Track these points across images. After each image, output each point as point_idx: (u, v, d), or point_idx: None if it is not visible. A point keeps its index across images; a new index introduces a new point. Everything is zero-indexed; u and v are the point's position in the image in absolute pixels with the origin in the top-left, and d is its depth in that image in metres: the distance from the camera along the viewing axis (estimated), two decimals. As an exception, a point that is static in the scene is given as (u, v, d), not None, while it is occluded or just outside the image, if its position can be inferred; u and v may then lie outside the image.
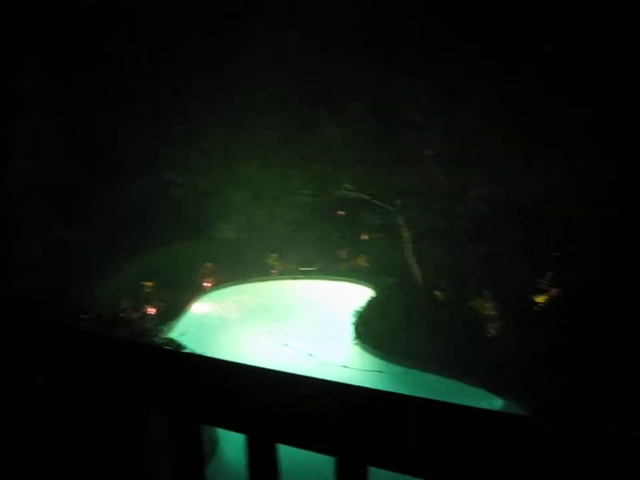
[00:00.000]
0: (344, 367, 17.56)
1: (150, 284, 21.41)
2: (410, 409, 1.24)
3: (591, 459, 1.09)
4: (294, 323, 21.18)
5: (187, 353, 1.55)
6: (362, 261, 25.35)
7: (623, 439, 1.08)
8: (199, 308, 23.05)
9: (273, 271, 25.61)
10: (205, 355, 1.49)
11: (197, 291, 23.70)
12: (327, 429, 1.28)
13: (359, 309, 20.98)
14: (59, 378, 1.60)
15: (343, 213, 25.33)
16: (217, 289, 24.37)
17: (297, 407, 1.30)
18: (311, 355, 18.28)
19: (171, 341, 16.99)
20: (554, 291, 18.59)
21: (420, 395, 1.23)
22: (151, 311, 20.46)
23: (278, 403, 1.33)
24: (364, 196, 21.54)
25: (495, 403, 15.31)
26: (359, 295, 22.52)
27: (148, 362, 1.48)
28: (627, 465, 1.07)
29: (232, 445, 12.40)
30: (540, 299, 18.64)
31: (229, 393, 1.39)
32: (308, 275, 25.54)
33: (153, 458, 1.57)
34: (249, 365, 1.40)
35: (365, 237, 25.69)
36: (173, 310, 21.22)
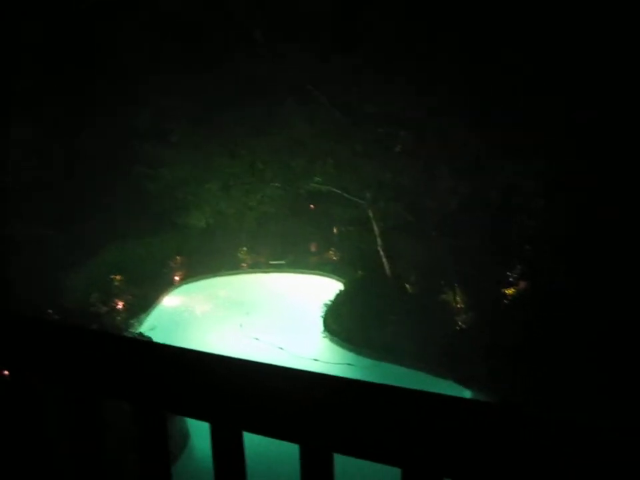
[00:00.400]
0: (314, 360, 17.60)
1: (119, 277, 21.22)
2: (374, 396, 1.25)
3: (557, 448, 1.10)
4: (264, 316, 21.18)
5: (150, 342, 1.54)
6: (332, 254, 25.40)
7: (584, 429, 1.09)
8: (169, 302, 22.93)
9: (244, 265, 25.57)
10: (168, 344, 1.48)
11: (166, 285, 23.58)
12: (291, 416, 1.28)
13: (330, 302, 21.03)
14: (20, 367, 1.59)
15: (313, 206, 25.34)
16: (187, 283, 24.27)
17: (262, 394, 1.30)
18: (281, 348, 18.29)
19: (141, 335, 16.90)
20: (523, 283, 18.78)
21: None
22: (120, 305, 20.30)
23: (242, 391, 1.33)
24: (334, 189, 21.54)
25: (464, 394, 15.44)
26: (330, 288, 22.56)
27: (110, 350, 1.47)
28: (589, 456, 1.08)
29: (203, 438, 12.35)
30: (509, 291, 18.82)
31: (193, 381, 1.39)
32: (278, 268, 25.55)
33: (117, 448, 1.56)
34: (213, 353, 1.39)
35: (335, 230, 25.74)
36: (143, 304, 21.09)
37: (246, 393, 1.32)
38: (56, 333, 1.55)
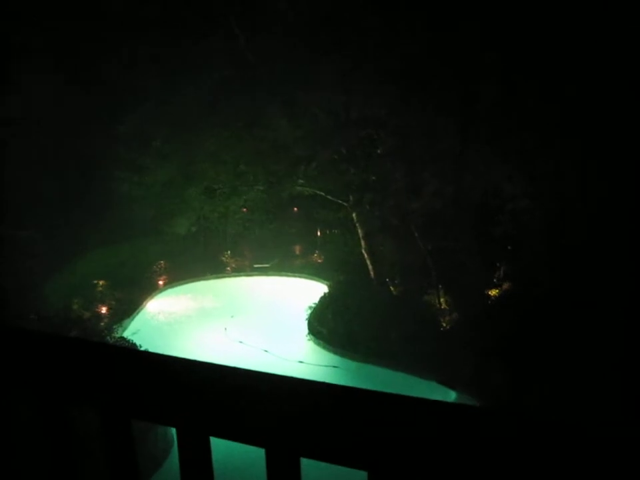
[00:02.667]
0: (299, 362, 17.58)
1: (102, 282, 21.10)
2: (340, 399, 1.24)
3: (538, 446, 1.09)
4: (249, 319, 21.14)
5: (113, 346, 1.52)
6: (317, 257, 25.41)
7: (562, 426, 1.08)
8: (153, 306, 22.83)
9: (228, 268, 25.53)
10: (135, 348, 1.47)
11: (151, 289, 23.48)
12: (256, 420, 1.27)
13: (314, 305, 21.02)
14: None
15: (296, 209, 25.35)
16: (171, 287, 24.19)
17: (227, 398, 1.29)
18: (266, 351, 18.26)
19: (124, 340, 16.77)
20: (506, 285, 18.85)
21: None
22: (104, 309, 20.18)
23: (207, 395, 1.31)
24: (318, 192, 21.53)
25: (449, 395, 15.48)
26: (314, 291, 22.56)
27: (76, 356, 1.45)
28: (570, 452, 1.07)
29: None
30: (493, 292, 18.88)
31: (158, 385, 1.37)
32: (263, 271, 25.52)
33: (84, 455, 1.54)
34: (179, 357, 1.38)
35: (319, 233, 25.76)
36: (127, 308, 20.98)
37: (211, 397, 1.31)
38: (23, 340, 1.54)
